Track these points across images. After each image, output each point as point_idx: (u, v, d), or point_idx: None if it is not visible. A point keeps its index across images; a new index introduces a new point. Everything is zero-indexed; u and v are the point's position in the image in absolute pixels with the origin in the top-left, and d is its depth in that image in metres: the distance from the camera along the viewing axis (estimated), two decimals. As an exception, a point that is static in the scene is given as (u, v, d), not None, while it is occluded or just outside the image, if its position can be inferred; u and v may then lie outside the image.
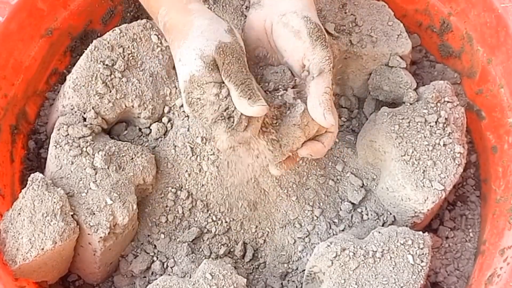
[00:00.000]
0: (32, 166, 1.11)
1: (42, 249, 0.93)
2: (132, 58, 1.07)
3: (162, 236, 1.04)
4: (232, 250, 1.04)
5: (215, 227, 1.05)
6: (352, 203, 1.07)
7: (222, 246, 1.04)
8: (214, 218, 1.05)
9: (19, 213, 0.95)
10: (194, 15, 0.92)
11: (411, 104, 1.06)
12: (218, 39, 0.89)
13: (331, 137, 0.95)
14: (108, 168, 1.00)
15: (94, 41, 1.07)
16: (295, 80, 0.94)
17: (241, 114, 0.88)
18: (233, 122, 0.88)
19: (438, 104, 1.06)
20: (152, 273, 1.03)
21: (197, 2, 0.95)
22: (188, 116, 1.05)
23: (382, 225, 1.06)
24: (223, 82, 0.89)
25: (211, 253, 1.04)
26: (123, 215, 0.97)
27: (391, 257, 0.95)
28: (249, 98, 0.87)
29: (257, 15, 0.97)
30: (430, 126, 1.04)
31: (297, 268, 1.05)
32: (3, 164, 1.06)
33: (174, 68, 1.06)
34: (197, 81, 0.89)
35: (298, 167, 1.09)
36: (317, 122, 0.91)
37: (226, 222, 1.05)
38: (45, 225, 0.93)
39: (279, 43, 0.95)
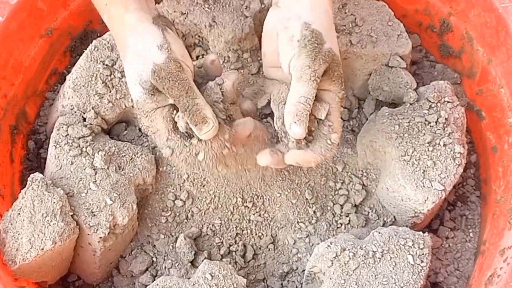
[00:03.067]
0: (32, 166, 1.11)
1: (42, 249, 0.93)
2: (132, 58, 1.07)
3: (162, 236, 1.04)
4: (232, 250, 1.04)
5: (215, 227, 1.05)
6: (353, 203, 1.07)
7: (222, 246, 1.04)
8: (214, 219, 1.05)
9: (19, 213, 0.95)
10: (128, 31, 0.90)
11: (411, 104, 1.06)
12: (152, 62, 0.87)
13: (339, 124, 0.92)
14: (108, 168, 1.00)
15: (94, 41, 1.07)
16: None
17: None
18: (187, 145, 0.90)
19: (438, 104, 1.06)
20: (152, 273, 1.03)
21: (134, 9, 0.91)
22: None
23: (382, 225, 1.06)
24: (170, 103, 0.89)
25: (211, 253, 1.04)
26: (123, 215, 0.97)
27: (391, 257, 0.95)
28: (195, 125, 0.87)
29: (271, 16, 0.95)
30: (430, 126, 1.04)
31: (297, 268, 1.04)
32: (3, 164, 1.06)
33: None
34: (142, 109, 0.89)
35: (298, 168, 1.09)
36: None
37: (226, 222, 1.05)
38: (45, 225, 0.93)
39: (279, 46, 0.93)
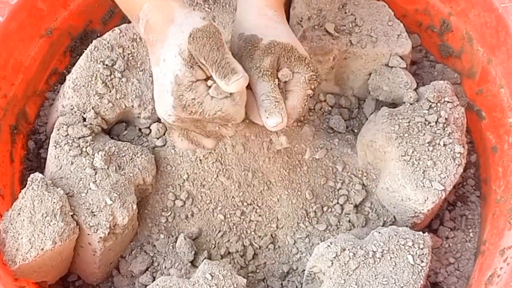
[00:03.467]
0: (32, 166, 1.11)
1: (42, 249, 0.93)
2: (132, 58, 1.07)
3: (162, 236, 1.04)
4: (232, 250, 1.04)
5: (215, 227, 1.05)
6: (353, 203, 1.07)
7: (222, 246, 1.04)
8: (214, 219, 1.05)
9: (19, 214, 0.95)
10: (175, 11, 0.90)
11: (411, 104, 1.06)
12: (191, 28, 0.87)
13: (296, 104, 0.95)
14: (108, 168, 1.00)
15: (94, 41, 1.07)
16: None
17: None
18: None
19: (438, 104, 1.06)
20: (152, 273, 1.03)
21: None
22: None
23: (382, 225, 1.06)
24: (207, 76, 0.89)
25: (211, 253, 1.04)
26: (123, 215, 0.97)
27: (391, 257, 0.95)
28: (224, 77, 0.86)
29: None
30: (430, 126, 1.04)
31: (297, 268, 1.04)
32: (3, 164, 1.06)
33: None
34: (182, 83, 0.88)
35: (298, 168, 1.09)
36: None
37: (226, 222, 1.05)
38: (45, 225, 0.93)
39: None
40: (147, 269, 1.03)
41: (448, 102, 1.06)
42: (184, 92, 0.88)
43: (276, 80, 0.93)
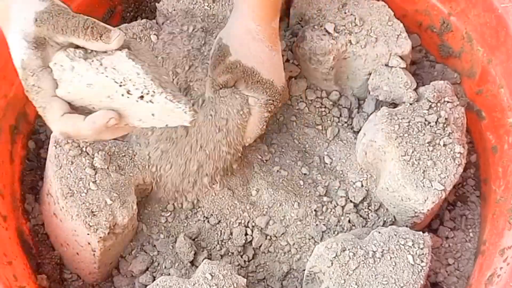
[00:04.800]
0: (32, 166, 1.11)
1: None
2: (132, 58, 1.07)
3: (162, 236, 1.04)
4: (232, 250, 1.04)
5: (215, 228, 1.05)
6: (353, 203, 1.07)
7: (222, 246, 1.04)
8: (214, 218, 1.05)
9: None
10: None
11: (411, 104, 1.06)
12: (33, 12, 0.83)
13: (252, 128, 1.03)
14: (107, 168, 1.00)
15: (94, 41, 1.07)
16: None
17: None
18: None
19: (438, 104, 1.06)
20: (152, 273, 1.03)
21: None
22: None
23: (382, 225, 1.06)
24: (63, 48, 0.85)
25: (211, 253, 1.04)
26: (123, 215, 0.97)
27: (391, 257, 0.95)
28: (100, 36, 0.83)
29: None
30: (430, 126, 1.04)
31: (297, 268, 1.04)
32: (3, 164, 1.06)
33: (174, 67, 1.06)
34: (28, 68, 0.85)
35: (298, 168, 1.09)
36: None
37: (226, 222, 1.05)
38: None
39: None
40: (147, 269, 1.03)
41: (448, 102, 1.06)
42: (28, 77, 0.86)
43: None
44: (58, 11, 0.84)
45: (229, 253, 1.04)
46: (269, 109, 1.02)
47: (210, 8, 1.13)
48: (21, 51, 0.85)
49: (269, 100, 1.01)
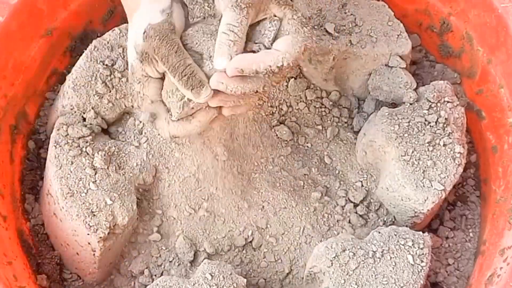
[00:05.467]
0: (32, 166, 1.11)
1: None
2: (132, 58, 1.07)
3: (161, 236, 1.04)
4: (232, 249, 1.04)
5: (215, 228, 1.05)
6: (353, 203, 1.07)
7: (222, 247, 1.04)
8: (214, 219, 1.05)
9: None
10: None
11: (411, 104, 1.06)
12: (147, 22, 0.85)
13: (288, 45, 0.83)
14: (107, 168, 1.00)
15: (94, 41, 1.07)
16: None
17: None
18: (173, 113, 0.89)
19: (438, 104, 1.06)
20: (152, 273, 1.03)
21: None
22: None
23: (382, 225, 1.06)
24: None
25: (211, 253, 1.04)
26: (123, 216, 0.97)
27: (391, 257, 0.95)
28: (192, 89, 0.83)
29: None
30: (430, 126, 1.04)
31: (297, 268, 1.04)
32: (3, 164, 1.06)
33: None
34: (135, 74, 0.87)
35: (298, 168, 1.09)
36: None
37: (226, 222, 1.05)
38: None
39: None
40: (147, 269, 1.03)
41: (448, 102, 1.06)
42: (134, 83, 0.88)
43: (249, 18, 0.83)
44: (165, 33, 0.84)
45: (229, 253, 1.04)
46: (306, 30, 0.85)
47: (210, 9, 1.12)
48: (131, 57, 0.87)
49: (302, 18, 0.85)
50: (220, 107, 0.89)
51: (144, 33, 0.85)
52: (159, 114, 0.91)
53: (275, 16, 0.85)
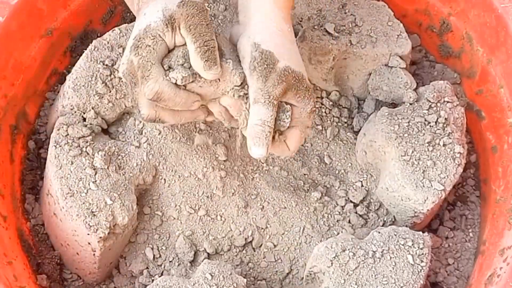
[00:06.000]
0: (32, 166, 1.11)
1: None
2: (132, 58, 1.07)
3: (162, 236, 1.04)
4: (232, 249, 1.04)
5: (215, 228, 1.05)
6: (353, 203, 1.07)
7: (222, 247, 1.04)
8: (214, 219, 1.05)
9: None
10: None
11: (411, 104, 1.07)
12: None
13: (297, 140, 0.92)
14: (107, 168, 1.00)
15: (94, 41, 1.07)
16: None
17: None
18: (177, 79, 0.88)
19: (438, 104, 1.06)
20: (152, 273, 1.03)
21: None
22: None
23: (382, 225, 1.06)
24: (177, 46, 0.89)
25: (211, 253, 1.04)
26: (123, 215, 0.97)
27: (391, 257, 0.95)
28: (206, 60, 0.86)
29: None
30: (430, 126, 1.04)
31: (297, 268, 1.04)
32: (3, 164, 1.06)
33: None
34: (150, 31, 0.87)
35: (298, 168, 1.09)
36: None
37: (226, 222, 1.05)
38: None
39: None
40: (147, 269, 1.03)
41: (447, 102, 1.06)
42: (146, 38, 0.87)
43: (276, 111, 0.89)
44: (201, 9, 0.87)
45: (229, 253, 1.04)
46: (312, 117, 0.93)
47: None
48: (153, 18, 0.87)
49: (313, 108, 0.92)
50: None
51: (181, 1, 0.87)
52: (155, 69, 0.88)
53: (287, 103, 0.91)
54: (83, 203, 0.97)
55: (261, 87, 0.88)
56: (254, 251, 1.05)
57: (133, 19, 1.21)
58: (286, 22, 0.94)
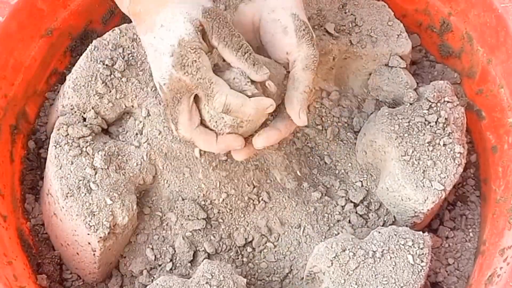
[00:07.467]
0: (32, 166, 1.11)
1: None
2: (132, 58, 1.07)
3: (162, 236, 1.04)
4: (232, 249, 1.04)
5: (215, 228, 1.05)
6: (352, 203, 1.07)
7: (222, 247, 1.04)
8: (214, 219, 1.05)
9: None
10: None
11: (411, 104, 1.07)
12: (201, 5, 0.89)
13: (289, 124, 0.95)
14: (108, 168, 1.00)
15: (94, 41, 1.07)
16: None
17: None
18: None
19: (438, 104, 1.06)
20: (152, 273, 1.03)
21: None
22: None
23: (382, 225, 1.06)
24: (211, 51, 0.90)
25: (211, 253, 1.04)
26: (123, 215, 0.97)
27: (391, 257, 0.95)
28: (254, 64, 0.89)
29: (247, 9, 0.97)
30: (430, 126, 1.04)
31: (297, 268, 1.04)
32: (3, 164, 1.06)
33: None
34: (188, 45, 0.88)
35: (298, 169, 1.09)
36: (292, 118, 0.93)
37: (226, 222, 1.05)
38: None
39: (266, 39, 0.96)
40: (147, 269, 1.03)
41: (448, 102, 1.06)
42: (188, 53, 0.88)
43: None
44: (224, 17, 0.89)
45: (229, 253, 1.04)
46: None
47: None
48: (183, 30, 0.88)
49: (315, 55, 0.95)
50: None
51: (205, 11, 0.88)
52: (218, 81, 0.89)
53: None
54: (83, 203, 0.97)
55: (313, 53, 0.93)
56: (254, 251, 1.05)
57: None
58: None
